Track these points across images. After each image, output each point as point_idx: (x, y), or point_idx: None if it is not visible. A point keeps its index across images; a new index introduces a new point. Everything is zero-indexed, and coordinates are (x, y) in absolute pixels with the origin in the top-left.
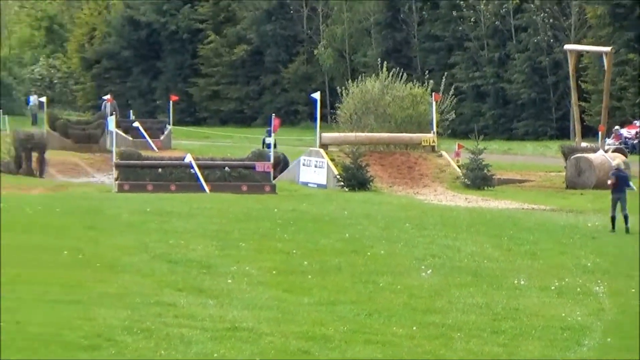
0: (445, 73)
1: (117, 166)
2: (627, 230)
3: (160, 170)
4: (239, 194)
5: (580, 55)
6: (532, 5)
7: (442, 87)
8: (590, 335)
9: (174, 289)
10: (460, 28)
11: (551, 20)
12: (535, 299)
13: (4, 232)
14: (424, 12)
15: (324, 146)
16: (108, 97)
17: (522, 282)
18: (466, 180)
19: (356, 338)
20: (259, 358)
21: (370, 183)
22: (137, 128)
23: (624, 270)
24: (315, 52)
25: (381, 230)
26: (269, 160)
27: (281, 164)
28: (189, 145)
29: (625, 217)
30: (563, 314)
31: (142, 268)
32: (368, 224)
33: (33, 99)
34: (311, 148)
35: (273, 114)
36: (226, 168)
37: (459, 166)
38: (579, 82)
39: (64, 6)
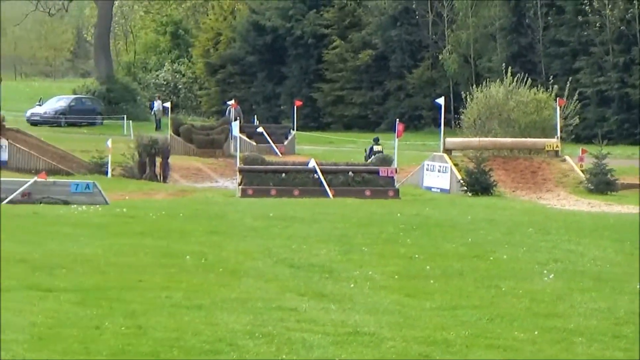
0: (570, 78)
1: (241, 171)
2: None
3: (284, 175)
4: (362, 199)
5: None
6: None
7: (566, 92)
8: None
9: (296, 294)
10: (585, 33)
11: None
12: None
13: (127, 236)
14: (549, 17)
15: (447, 151)
16: (232, 102)
17: None
18: (589, 185)
19: (477, 343)
20: None
21: (494, 188)
22: (262, 133)
23: None
24: (440, 57)
25: (504, 235)
26: (393, 165)
27: None
28: (312, 150)
29: None
30: None
31: (265, 273)
32: (491, 229)
33: (157, 104)
34: (434, 153)
35: (397, 119)
36: (350, 173)
37: (582, 171)
38: None
39: (189, 11)
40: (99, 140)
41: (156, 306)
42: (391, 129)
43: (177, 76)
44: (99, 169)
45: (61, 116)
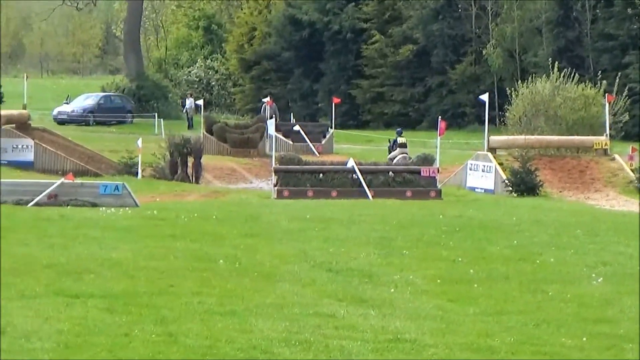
0: (619, 73)
1: (277, 171)
2: None
3: (321, 175)
4: (403, 200)
5: None
6: None
7: (615, 88)
8: None
9: (334, 299)
10: (635, 26)
11: None
12: None
13: (157, 239)
14: (597, 10)
15: (492, 150)
16: (268, 99)
17: None
18: None
19: (523, 349)
20: None
21: (540, 188)
22: (298, 132)
23: None
24: (484, 52)
25: (551, 237)
26: (435, 165)
27: None
28: (350, 149)
29: None
30: None
31: (302, 277)
32: (537, 231)
33: (189, 102)
34: (478, 152)
35: (439, 117)
36: (390, 173)
37: (632, 170)
38: None
39: (222, 5)
40: (128, 139)
41: (188, 312)
42: (433, 127)
43: (210, 73)
44: (129, 169)
45: (89, 115)
